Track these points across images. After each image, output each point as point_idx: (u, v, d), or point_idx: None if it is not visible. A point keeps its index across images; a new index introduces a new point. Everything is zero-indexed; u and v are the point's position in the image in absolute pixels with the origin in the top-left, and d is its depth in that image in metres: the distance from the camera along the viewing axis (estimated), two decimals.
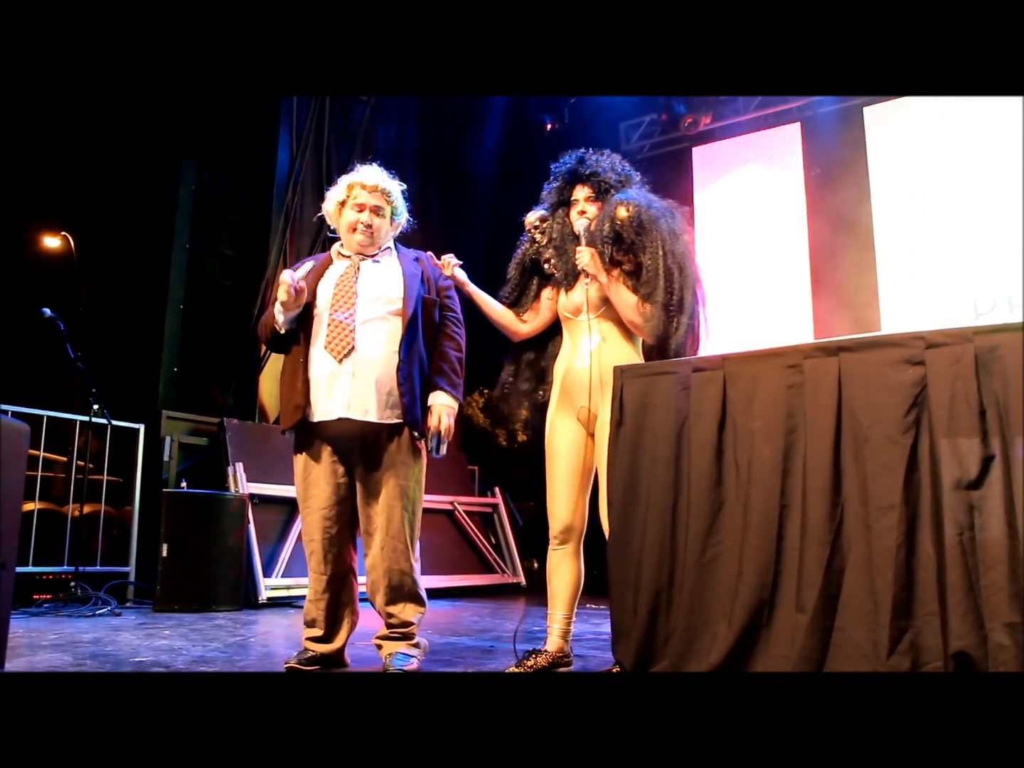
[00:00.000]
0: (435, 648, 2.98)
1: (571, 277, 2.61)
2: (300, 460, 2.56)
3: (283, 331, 2.54)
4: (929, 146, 5.84)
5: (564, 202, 2.68)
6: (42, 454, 4.50)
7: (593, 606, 4.55)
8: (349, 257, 2.63)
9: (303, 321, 2.54)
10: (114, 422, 4.68)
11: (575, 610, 2.58)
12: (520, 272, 2.76)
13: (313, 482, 2.52)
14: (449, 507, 6.26)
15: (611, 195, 2.59)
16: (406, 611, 2.50)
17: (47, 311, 4.16)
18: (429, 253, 2.76)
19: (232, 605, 4.43)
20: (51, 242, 5.04)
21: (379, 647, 2.54)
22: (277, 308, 2.49)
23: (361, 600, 2.63)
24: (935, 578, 1.73)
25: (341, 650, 2.55)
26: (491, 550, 6.39)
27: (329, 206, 2.69)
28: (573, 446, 2.56)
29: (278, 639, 3.48)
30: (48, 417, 4.57)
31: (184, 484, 4.78)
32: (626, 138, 7.35)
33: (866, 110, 6.19)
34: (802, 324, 6.10)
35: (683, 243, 2.53)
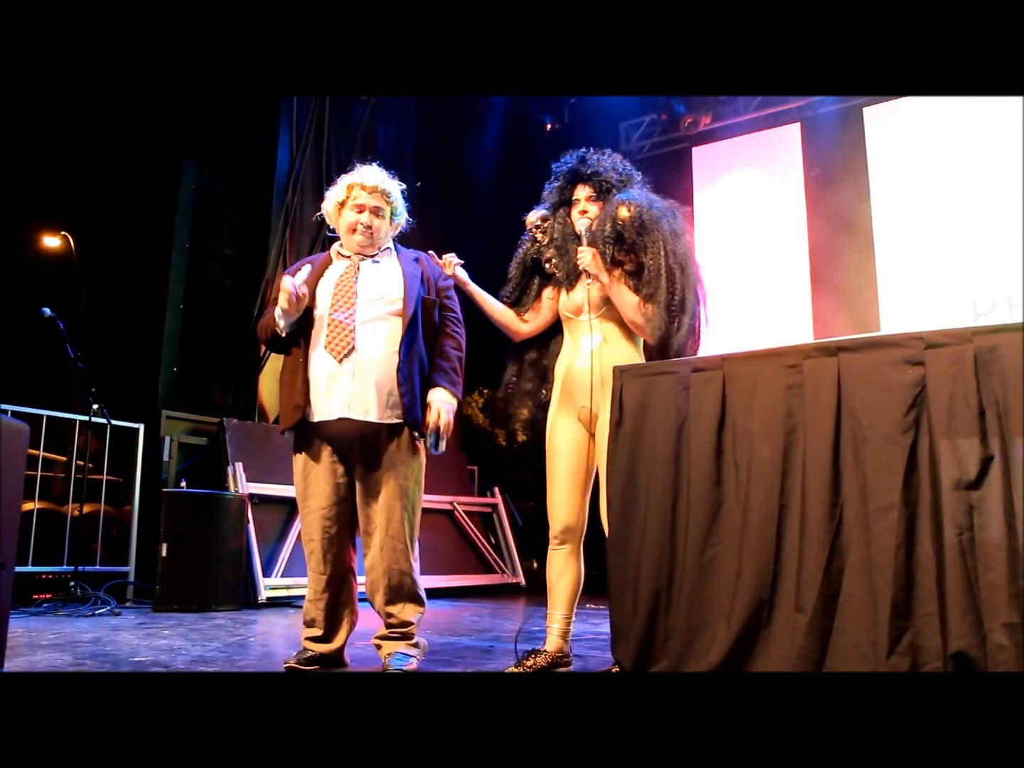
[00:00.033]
0: (434, 648, 2.98)
1: (572, 277, 2.61)
2: (299, 460, 2.56)
3: (284, 334, 2.54)
4: (929, 146, 5.84)
5: (565, 202, 2.68)
6: (42, 454, 4.51)
7: (592, 606, 4.55)
8: (349, 257, 2.63)
9: (303, 321, 2.54)
10: (114, 422, 4.68)
11: (575, 610, 2.58)
12: (521, 272, 2.76)
13: (313, 482, 2.52)
14: (449, 507, 6.26)
15: (612, 195, 2.59)
16: (405, 611, 2.50)
17: (47, 311, 4.16)
18: (430, 253, 2.76)
19: (232, 605, 4.43)
20: (51, 242, 5.04)
21: (378, 647, 2.54)
22: (277, 312, 2.49)
23: (360, 600, 2.63)
24: (934, 578, 1.73)
25: (340, 650, 2.55)
26: (491, 550, 6.39)
27: (328, 206, 2.69)
28: (574, 446, 2.56)
29: (277, 639, 3.48)
30: (48, 417, 4.57)
31: (184, 484, 4.78)
32: (626, 138, 7.35)
33: (866, 110, 6.20)
34: (802, 324, 6.10)
35: (684, 243, 2.53)
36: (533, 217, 2.75)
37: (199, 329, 5.77)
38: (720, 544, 2.03)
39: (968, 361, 1.74)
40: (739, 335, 4.83)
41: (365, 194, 2.61)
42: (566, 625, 2.55)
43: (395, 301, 2.55)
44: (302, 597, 2.67)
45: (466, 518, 6.32)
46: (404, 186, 2.72)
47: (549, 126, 7.39)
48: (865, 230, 5.99)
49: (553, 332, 2.76)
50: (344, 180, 2.67)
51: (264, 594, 4.66)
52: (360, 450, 2.50)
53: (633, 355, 2.55)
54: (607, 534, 2.32)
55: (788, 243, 6.35)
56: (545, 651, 2.49)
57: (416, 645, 2.53)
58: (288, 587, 4.83)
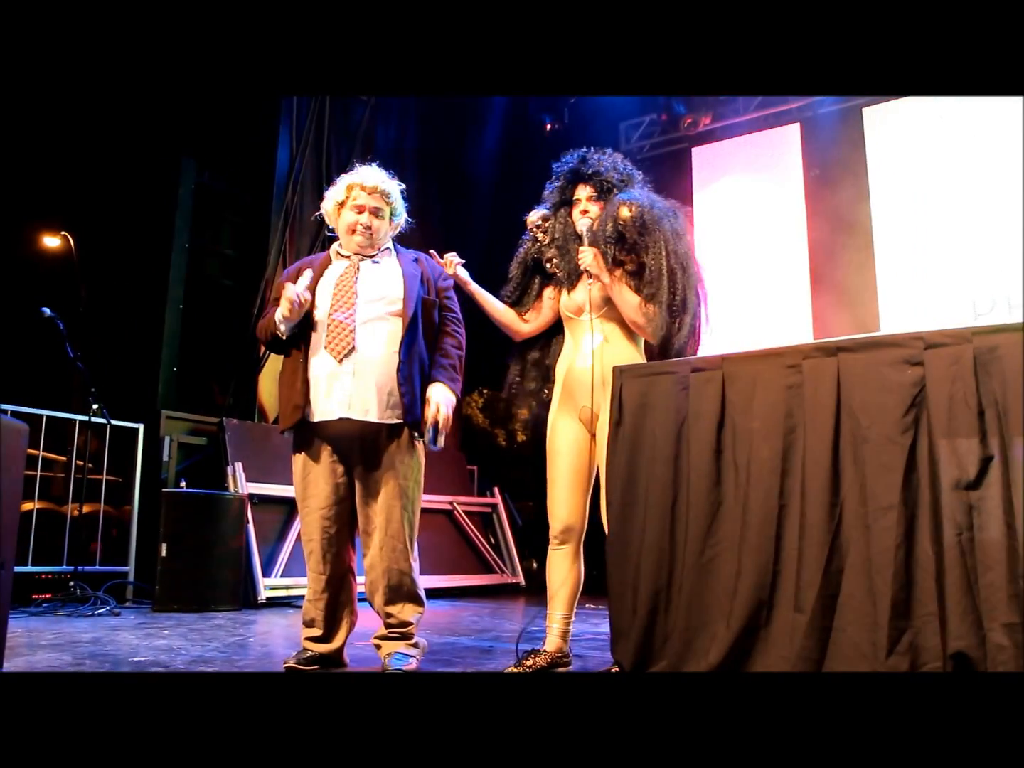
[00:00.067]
0: (434, 648, 2.98)
1: (573, 277, 2.61)
2: (299, 460, 2.56)
3: (284, 338, 2.53)
4: (928, 146, 5.84)
5: (566, 201, 2.68)
6: (41, 454, 4.50)
7: (592, 606, 4.55)
8: (348, 257, 2.63)
9: (302, 322, 2.54)
10: (113, 422, 4.68)
11: (574, 610, 2.58)
12: (522, 271, 2.76)
13: (312, 482, 2.52)
14: (448, 507, 6.26)
15: (613, 195, 2.59)
16: (405, 611, 2.50)
17: (47, 311, 4.16)
18: (431, 252, 2.76)
19: (231, 605, 4.43)
20: (51, 242, 5.04)
21: (378, 647, 2.54)
22: (278, 317, 2.49)
23: (360, 600, 2.63)
24: (934, 578, 1.73)
25: (340, 650, 2.55)
26: (490, 550, 6.39)
27: (328, 206, 2.68)
28: (574, 446, 2.56)
29: (277, 639, 3.48)
30: (47, 416, 4.57)
31: (183, 484, 4.78)
32: (626, 138, 7.35)
33: (865, 110, 6.20)
34: (801, 324, 6.10)
35: (686, 243, 2.53)
36: (534, 217, 2.75)
37: (199, 329, 5.77)
38: (720, 544, 2.03)
39: (968, 361, 1.74)
40: (739, 335, 4.83)
41: (365, 195, 2.61)
42: (566, 625, 2.55)
43: (395, 301, 2.55)
44: (302, 597, 2.66)
45: (466, 518, 6.32)
46: (404, 186, 2.72)
47: (549, 126, 7.39)
48: (864, 230, 5.99)
49: (554, 332, 2.76)
50: (344, 180, 2.67)
51: (264, 594, 4.66)
52: (360, 450, 2.50)
53: (634, 355, 2.55)
54: (607, 534, 2.32)
55: (788, 243, 6.35)
56: (545, 651, 2.49)
57: (416, 645, 2.53)
58: (288, 587, 4.83)
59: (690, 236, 2.59)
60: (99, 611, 4.03)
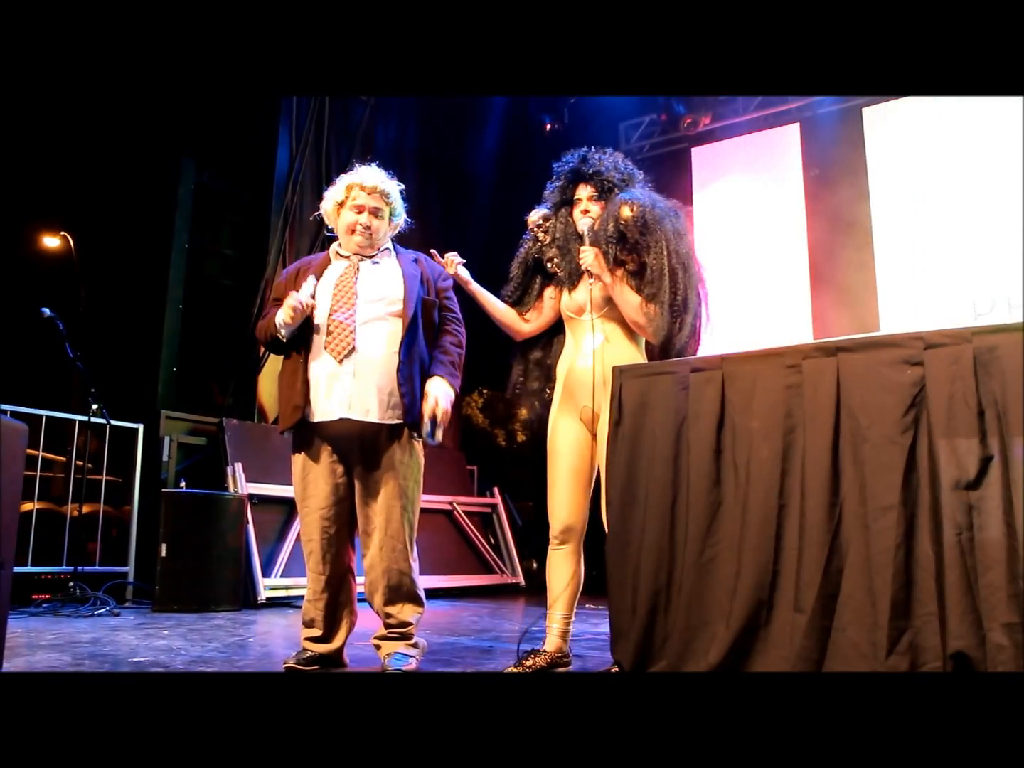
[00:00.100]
0: (434, 648, 2.98)
1: (574, 277, 2.61)
2: (299, 460, 2.56)
3: (285, 340, 2.53)
4: (928, 146, 5.84)
5: (567, 201, 2.68)
6: (41, 454, 4.50)
7: (592, 606, 4.55)
8: (347, 258, 2.62)
9: (303, 323, 2.54)
10: (113, 422, 4.68)
11: (574, 610, 2.58)
12: (523, 271, 2.76)
13: (312, 482, 2.52)
14: (448, 507, 6.26)
15: (614, 194, 2.59)
16: (404, 611, 2.50)
17: (47, 311, 4.16)
18: (432, 252, 2.75)
19: (231, 605, 4.43)
20: (51, 242, 5.04)
21: (377, 647, 2.54)
22: (279, 322, 2.49)
23: (360, 600, 2.63)
24: (934, 578, 1.73)
25: (340, 650, 2.55)
26: (490, 550, 6.39)
27: (327, 206, 2.68)
28: (575, 446, 2.56)
29: (277, 639, 3.48)
30: (47, 417, 4.56)
31: (183, 484, 4.77)
32: (626, 138, 7.36)
33: (865, 111, 6.20)
34: (801, 324, 6.11)
35: (687, 243, 2.53)
36: (535, 216, 2.75)
37: (199, 329, 5.77)
38: (719, 544, 2.03)
39: (967, 361, 1.74)
40: (739, 335, 4.83)
41: (364, 195, 2.61)
42: (566, 625, 2.55)
43: (395, 302, 2.55)
44: (301, 597, 2.66)
45: (465, 518, 6.32)
46: (403, 186, 2.72)
47: (549, 126, 7.38)
48: (864, 230, 5.99)
49: (555, 331, 2.76)
50: (343, 180, 2.67)
51: (263, 594, 4.66)
52: (360, 450, 2.50)
53: (635, 355, 2.55)
54: (607, 534, 2.32)
55: (787, 243, 6.35)
56: (544, 651, 2.49)
57: (415, 645, 2.53)
58: (287, 587, 4.83)
59: (691, 236, 2.59)
60: (99, 611, 4.03)
